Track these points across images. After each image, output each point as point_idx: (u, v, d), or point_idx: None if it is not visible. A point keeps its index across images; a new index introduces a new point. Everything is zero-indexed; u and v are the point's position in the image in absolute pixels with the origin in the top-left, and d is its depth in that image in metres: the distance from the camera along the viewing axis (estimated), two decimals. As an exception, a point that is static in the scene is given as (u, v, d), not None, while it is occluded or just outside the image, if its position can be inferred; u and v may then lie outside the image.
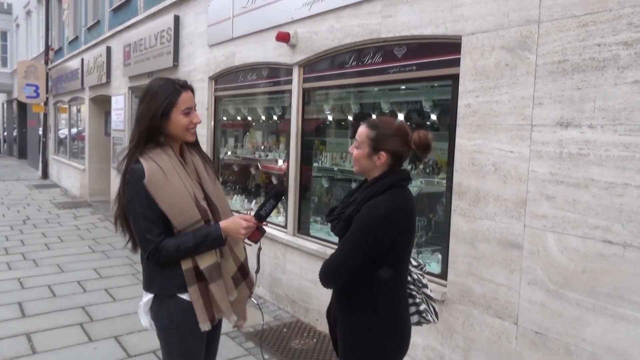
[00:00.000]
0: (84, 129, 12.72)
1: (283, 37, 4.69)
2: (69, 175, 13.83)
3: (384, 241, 1.87)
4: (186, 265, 1.98)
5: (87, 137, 11.99)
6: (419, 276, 2.22)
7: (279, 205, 5.42)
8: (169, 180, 1.94)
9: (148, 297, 2.09)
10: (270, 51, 5.12)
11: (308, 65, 4.73)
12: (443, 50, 3.41)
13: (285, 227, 5.05)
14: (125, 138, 9.31)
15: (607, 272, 2.52)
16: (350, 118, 5.39)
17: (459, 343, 3.24)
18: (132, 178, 1.92)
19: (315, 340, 4.24)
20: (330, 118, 5.16)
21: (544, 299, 2.78)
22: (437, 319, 2.25)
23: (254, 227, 2.00)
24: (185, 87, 2.03)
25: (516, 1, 2.89)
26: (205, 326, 2.02)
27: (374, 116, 5.23)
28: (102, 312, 4.80)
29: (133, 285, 5.67)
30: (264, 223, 2.04)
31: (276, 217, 5.48)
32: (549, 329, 2.76)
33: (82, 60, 12.06)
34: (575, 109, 2.63)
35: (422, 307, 2.16)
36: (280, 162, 6.22)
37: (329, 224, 2.17)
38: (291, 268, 4.83)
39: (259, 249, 2.19)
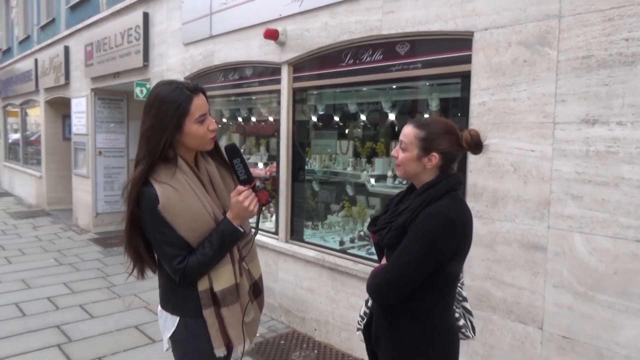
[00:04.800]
0: (39, 133, 11.98)
1: (271, 35, 4.47)
2: (24, 182, 13.01)
3: (446, 251, 1.71)
4: (202, 286, 1.83)
5: (44, 142, 11.26)
6: (459, 289, 2.06)
7: (268, 210, 5.20)
8: (187, 204, 1.74)
9: (167, 315, 1.92)
10: (254, 49, 4.88)
11: (299, 64, 4.52)
12: (452, 46, 3.29)
13: (276, 233, 4.82)
14: (88, 143, 8.78)
15: (641, 273, 2.45)
16: (337, 119, 5.23)
17: (477, 350, 3.12)
18: (145, 204, 1.71)
19: (316, 351, 4.04)
20: (323, 119, 4.97)
21: (572, 301, 2.69)
22: (475, 334, 2.10)
23: (251, 193, 1.79)
24: (196, 90, 1.75)
25: (534, -5, 2.80)
26: (220, 352, 1.88)
27: (362, 117, 5.11)
28: (80, 331, 4.44)
29: (109, 299, 5.30)
30: (254, 183, 1.83)
31: (263, 222, 5.25)
32: (578, 332, 2.68)
33: (36, 60, 11.34)
34: (602, 106, 2.55)
35: (461, 322, 2.01)
36: (261, 165, 5.99)
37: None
38: (284, 276, 4.61)
39: (268, 202, 1.92)
